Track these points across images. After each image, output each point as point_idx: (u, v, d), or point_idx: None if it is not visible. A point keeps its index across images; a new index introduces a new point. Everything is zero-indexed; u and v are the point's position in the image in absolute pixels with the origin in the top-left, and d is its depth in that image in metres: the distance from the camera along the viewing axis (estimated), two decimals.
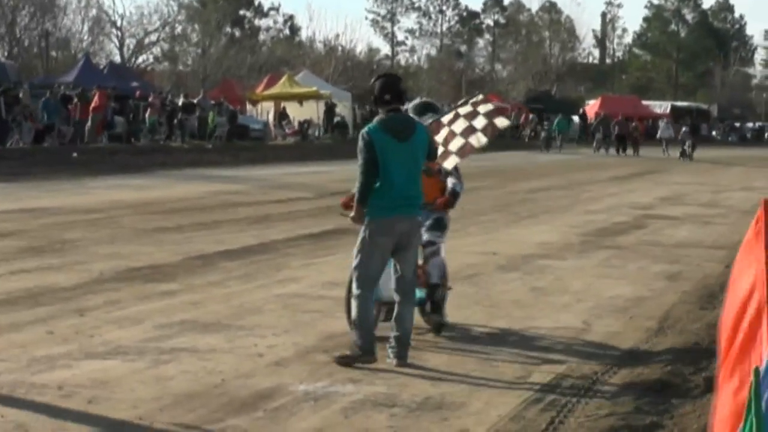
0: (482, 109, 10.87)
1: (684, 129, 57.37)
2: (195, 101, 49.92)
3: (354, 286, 9.31)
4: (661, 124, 63.54)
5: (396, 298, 9.37)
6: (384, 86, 9.35)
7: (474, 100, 11.10)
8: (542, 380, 8.85)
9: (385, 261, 9.32)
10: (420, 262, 10.10)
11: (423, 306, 10.45)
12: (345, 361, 9.12)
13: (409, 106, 10.78)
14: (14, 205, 22.15)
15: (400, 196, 9.13)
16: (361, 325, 9.19)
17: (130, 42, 79.39)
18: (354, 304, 9.29)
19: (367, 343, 9.16)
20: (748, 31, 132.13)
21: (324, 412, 7.75)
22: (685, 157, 53.78)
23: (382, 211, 9.13)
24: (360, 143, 9.18)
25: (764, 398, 2.94)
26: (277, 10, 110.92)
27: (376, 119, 9.34)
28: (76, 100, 40.99)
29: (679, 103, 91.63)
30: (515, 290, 13.38)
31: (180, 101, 48.72)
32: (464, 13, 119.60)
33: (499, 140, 61.04)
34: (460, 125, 10.77)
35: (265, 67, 75.14)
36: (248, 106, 59.27)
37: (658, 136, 61.02)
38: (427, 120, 10.47)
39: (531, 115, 66.59)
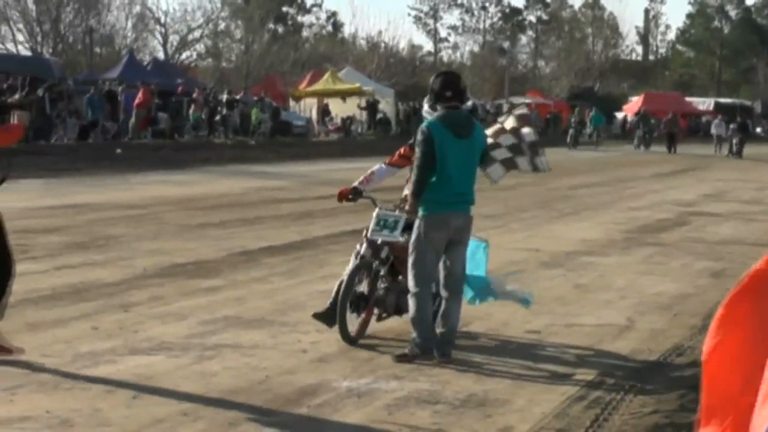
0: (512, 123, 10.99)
1: (732, 126, 57.01)
2: (238, 97, 50.13)
3: (411, 284, 9.26)
4: (715, 121, 63.17)
5: (443, 294, 9.36)
6: (445, 83, 9.34)
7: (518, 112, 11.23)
8: (586, 377, 8.83)
9: (440, 257, 9.29)
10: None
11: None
12: (405, 360, 9.12)
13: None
14: (58, 201, 22.30)
15: (454, 192, 9.13)
16: (420, 323, 9.18)
17: (173, 38, 79.70)
18: (411, 302, 9.25)
19: (426, 342, 9.16)
20: None
21: (367, 409, 7.75)
22: (733, 154, 53.48)
23: (437, 206, 9.12)
24: (419, 137, 9.16)
25: None
26: (320, 6, 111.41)
27: (435, 115, 9.29)
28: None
29: (723, 100, 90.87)
30: (558, 287, 13.34)
31: (224, 97, 48.93)
32: (507, 10, 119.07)
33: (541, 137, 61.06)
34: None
35: (307, 63, 75.28)
36: (291, 103, 59.39)
37: (712, 132, 60.73)
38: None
39: (591, 113, 66.09)
